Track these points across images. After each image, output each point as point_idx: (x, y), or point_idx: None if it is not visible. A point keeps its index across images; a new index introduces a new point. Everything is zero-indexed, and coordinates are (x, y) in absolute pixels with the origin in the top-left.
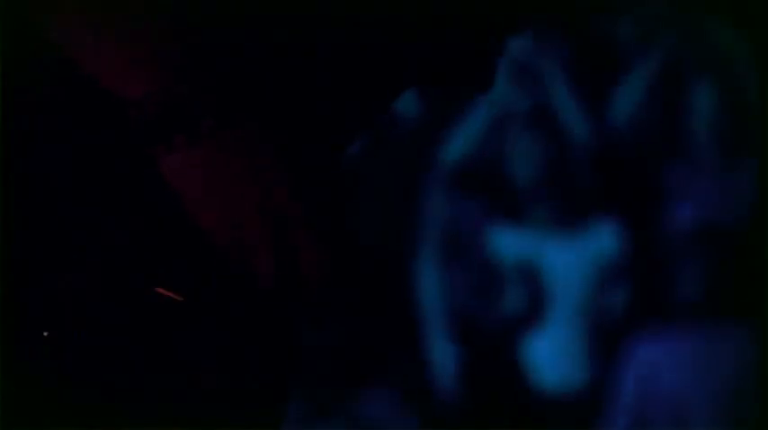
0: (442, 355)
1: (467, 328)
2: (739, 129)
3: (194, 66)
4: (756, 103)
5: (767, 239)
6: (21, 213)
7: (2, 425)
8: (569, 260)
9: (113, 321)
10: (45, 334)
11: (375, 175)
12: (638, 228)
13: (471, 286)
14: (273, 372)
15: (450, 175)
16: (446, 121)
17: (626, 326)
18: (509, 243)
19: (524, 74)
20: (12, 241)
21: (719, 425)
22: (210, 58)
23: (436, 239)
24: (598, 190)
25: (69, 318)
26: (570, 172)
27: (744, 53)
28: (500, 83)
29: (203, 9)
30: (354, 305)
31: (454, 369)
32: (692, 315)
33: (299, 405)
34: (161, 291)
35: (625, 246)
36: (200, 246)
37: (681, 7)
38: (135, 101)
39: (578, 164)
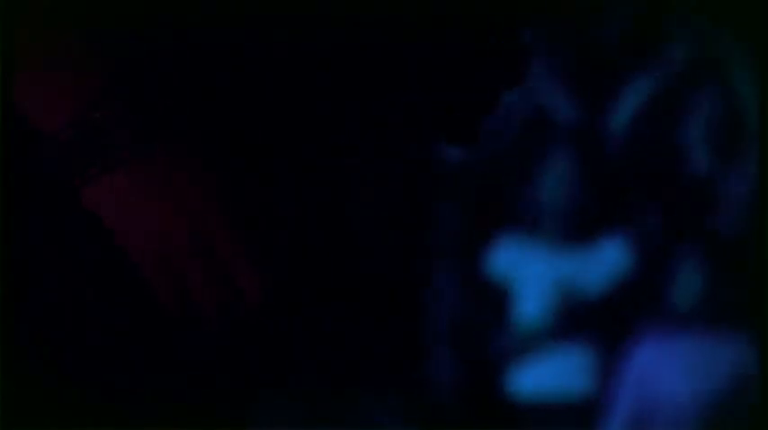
0: (441, 361)
1: (467, 337)
2: (739, 135)
3: (114, 92)
4: (755, 108)
5: (766, 247)
6: (21, 213)
7: (2, 425)
8: (575, 271)
9: (113, 321)
10: None
11: (374, 179)
12: (640, 236)
13: (474, 296)
14: (271, 373)
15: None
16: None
17: (626, 332)
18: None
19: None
20: (12, 241)
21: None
22: (133, 84)
23: (438, 246)
24: (602, 201)
25: (69, 318)
26: (572, 182)
27: (744, 57)
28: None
29: (124, 32)
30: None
31: (452, 375)
32: (690, 321)
33: (296, 406)
34: None
35: (627, 256)
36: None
37: (682, 11)
38: (55, 131)
39: (582, 174)
